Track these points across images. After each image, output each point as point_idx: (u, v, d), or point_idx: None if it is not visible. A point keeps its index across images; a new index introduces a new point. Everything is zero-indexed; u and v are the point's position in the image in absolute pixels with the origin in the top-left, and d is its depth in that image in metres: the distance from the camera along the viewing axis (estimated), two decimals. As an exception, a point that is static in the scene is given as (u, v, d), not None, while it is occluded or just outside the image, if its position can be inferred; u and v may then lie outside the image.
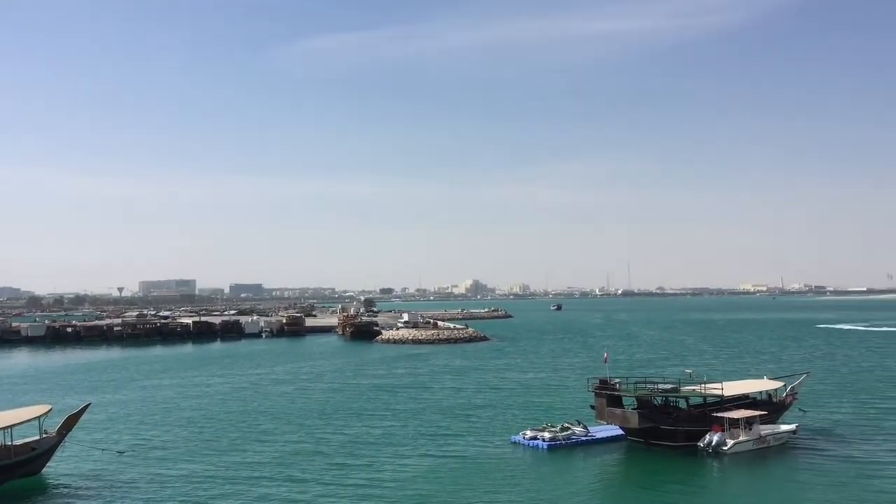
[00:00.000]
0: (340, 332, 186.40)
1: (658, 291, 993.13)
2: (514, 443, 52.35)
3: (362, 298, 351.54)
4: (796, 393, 58.23)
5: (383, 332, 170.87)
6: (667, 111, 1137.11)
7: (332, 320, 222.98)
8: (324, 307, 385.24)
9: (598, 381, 54.35)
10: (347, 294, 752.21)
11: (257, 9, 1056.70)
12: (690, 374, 62.35)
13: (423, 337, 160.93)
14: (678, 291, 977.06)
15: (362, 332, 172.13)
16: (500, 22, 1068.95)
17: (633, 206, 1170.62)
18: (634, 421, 50.59)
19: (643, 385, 54.67)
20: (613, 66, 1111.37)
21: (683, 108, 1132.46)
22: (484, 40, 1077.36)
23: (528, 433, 52.66)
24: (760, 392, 56.42)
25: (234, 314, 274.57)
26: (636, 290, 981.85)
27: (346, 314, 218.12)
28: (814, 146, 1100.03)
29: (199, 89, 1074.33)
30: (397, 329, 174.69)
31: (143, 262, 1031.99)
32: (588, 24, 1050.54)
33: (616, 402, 52.70)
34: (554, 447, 50.25)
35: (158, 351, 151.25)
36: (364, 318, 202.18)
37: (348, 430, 58.49)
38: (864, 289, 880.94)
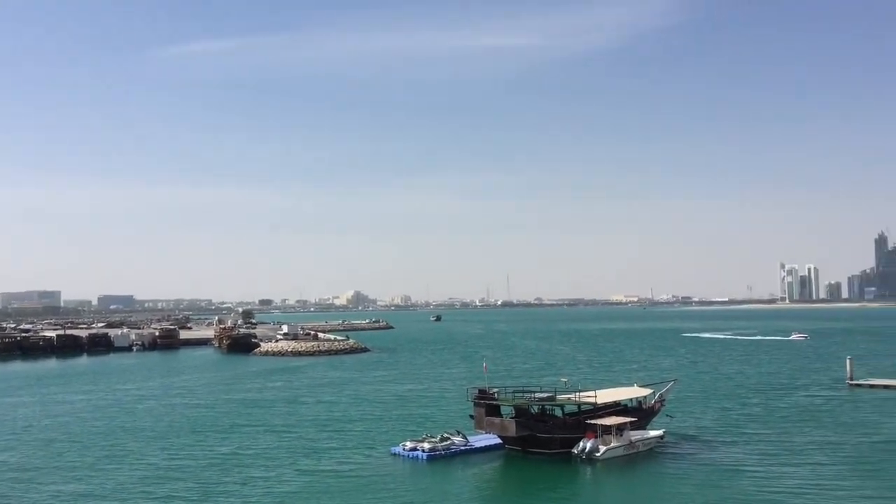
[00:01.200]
0: (217, 345, 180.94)
1: (536, 302, 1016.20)
2: (394, 454, 52.00)
3: (240, 310, 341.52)
4: (664, 399, 60.55)
5: (262, 344, 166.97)
6: (545, 128, 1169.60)
7: (209, 332, 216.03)
8: (200, 319, 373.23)
9: (477, 391, 54.76)
10: (225, 305, 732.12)
11: (134, 10, 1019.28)
12: (566, 382, 63.70)
13: (303, 349, 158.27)
14: (555, 302, 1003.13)
15: (239, 345, 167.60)
16: (388, 34, 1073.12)
17: (513, 219, 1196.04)
18: (512, 429, 51.22)
19: (521, 394, 55.48)
20: (498, 82, 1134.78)
21: (560, 126, 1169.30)
22: (371, 51, 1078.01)
23: (408, 444, 52.43)
24: (631, 399, 58.31)
25: (102, 327, 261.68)
26: (515, 301, 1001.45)
27: (222, 326, 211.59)
28: (676, 165, 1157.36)
29: (68, 92, 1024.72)
30: (276, 341, 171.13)
31: (3, 273, 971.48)
32: (477, 40, 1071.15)
33: (495, 411, 53.22)
34: (433, 457, 50.21)
35: (18, 366, 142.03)
36: (242, 331, 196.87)
37: (220, 447, 56.44)
38: (727, 299, 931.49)
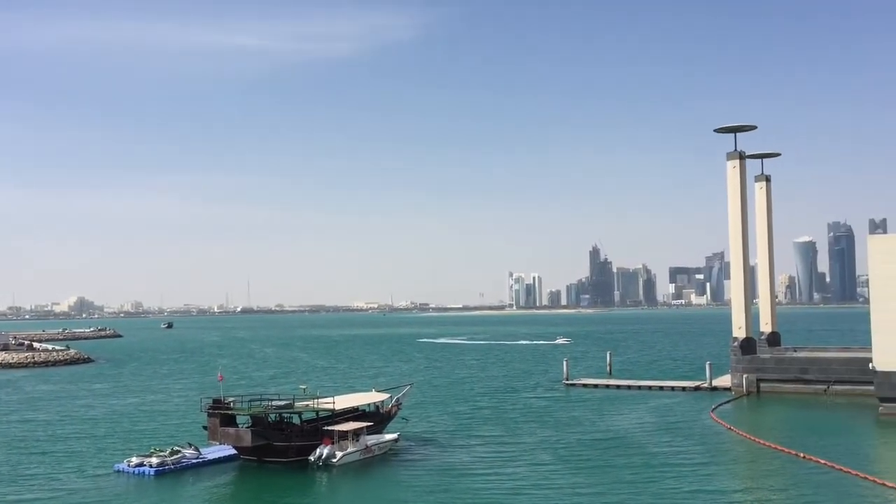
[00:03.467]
0: None
1: (277, 309, 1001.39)
2: (118, 471, 48.54)
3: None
4: (401, 403, 62.24)
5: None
6: (281, 131, 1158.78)
7: None
8: None
9: (211, 401, 52.73)
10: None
11: None
12: (305, 389, 63.41)
13: (14, 361, 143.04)
14: (297, 308, 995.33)
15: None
16: (130, 26, 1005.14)
17: (253, 223, 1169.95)
18: (247, 439, 49.91)
19: (258, 403, 54.28)
20: (242, 82, 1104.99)
21: (297, 130, 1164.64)
22: (110, 41, 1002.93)
23: (134, 460, 49.19)
24: (369, 404, 59.29)
25: None
26: (256, 308, 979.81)
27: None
28: (409, 177, 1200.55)
29: None
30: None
31: None
32: (230, 37, 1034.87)
33: (230, 421, 51.55)
34: (162, 472, 47.56)
35: None
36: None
37: None
38: (461, 305, 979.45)
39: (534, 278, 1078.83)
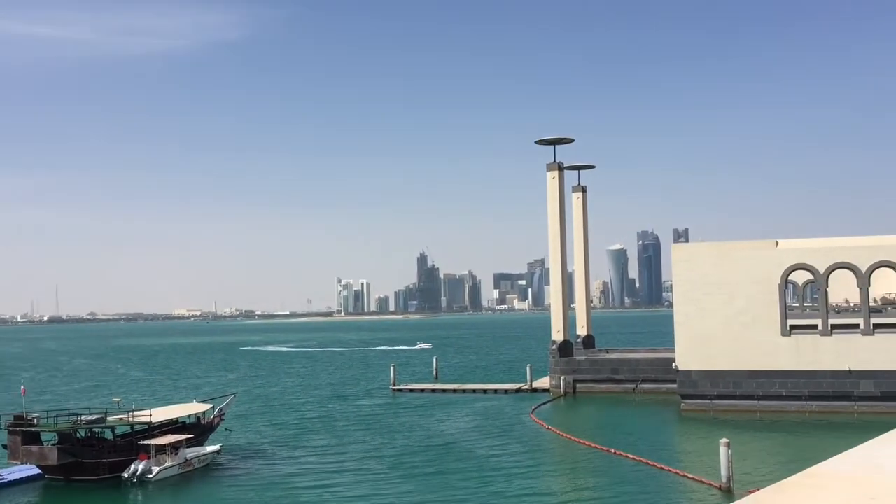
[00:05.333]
0: None
1: (90, 317, 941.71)
2: None
3: None
4: (223, 414, 60.30)
5: None
6: (97, 133, 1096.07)
7: None
8: None
9: (12, 418, 48.79)
10: None
11: None
12: (118, 402, 60.05)
13: None
14: (112, 317, 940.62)
15: None
16: None
17: (61, 228, 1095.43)
18: (53, 457, 46.61)
19: (66, 418, 50.79)
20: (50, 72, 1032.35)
21: (118, 130, 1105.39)
22: None
23: (-82, 486, 44.63)
24: (189, 416, 57.00)
25: None
26: (65, 317, 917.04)
27: None
28: (223, 180, 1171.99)
29: None
30: None
31: None
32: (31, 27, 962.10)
33: (34, 438, 47.91)
34: (-48, 499, 43.46)
35: None
36: None
37: None
38: (288, 312, 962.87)
39: (362, 284, 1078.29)
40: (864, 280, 64.69)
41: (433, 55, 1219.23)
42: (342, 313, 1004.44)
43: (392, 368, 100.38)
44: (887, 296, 72.75)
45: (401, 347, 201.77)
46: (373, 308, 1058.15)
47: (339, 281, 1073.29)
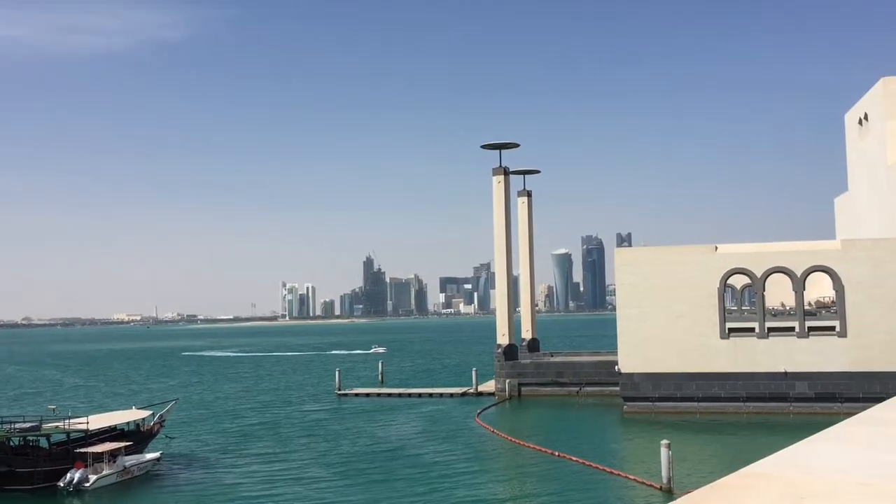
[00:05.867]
0: None
1: (24, 322, 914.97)
2: None
3: None
4: (164, 420, 59.16)
5: None
6: (31, 127, 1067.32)
7: None
8: None
9: (-60, 427, 47.15)
10: None
11: None
12: (54, 409, 58.52)
13: None
14: (48, 322, 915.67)
15: None
16: None
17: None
18: (-17, 468, 45.15)
19: (-3, 426, 49.27)
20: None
21: (53, 124, 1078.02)
22: None
23: None
24: (128, 422, 55.80)
25: None
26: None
27: None
28: (163, 179, 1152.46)
29: None
30: None
31: None
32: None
33: (-37, 448, 46.35)
34: None
35: None
36: None
37: None
38: (232, 317, 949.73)
39: (308, 288, 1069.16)
40: (799, 284, 66.56)
41: (378, 57, 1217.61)
42: (287, 318, 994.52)
43: (337, 373, 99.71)
44: (821, 299, 74.89)
45: (347, 351, 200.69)
46: (318, 312, 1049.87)
47: (284, 285, 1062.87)
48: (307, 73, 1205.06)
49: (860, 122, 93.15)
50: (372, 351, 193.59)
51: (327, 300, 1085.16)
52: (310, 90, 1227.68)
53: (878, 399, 9.02)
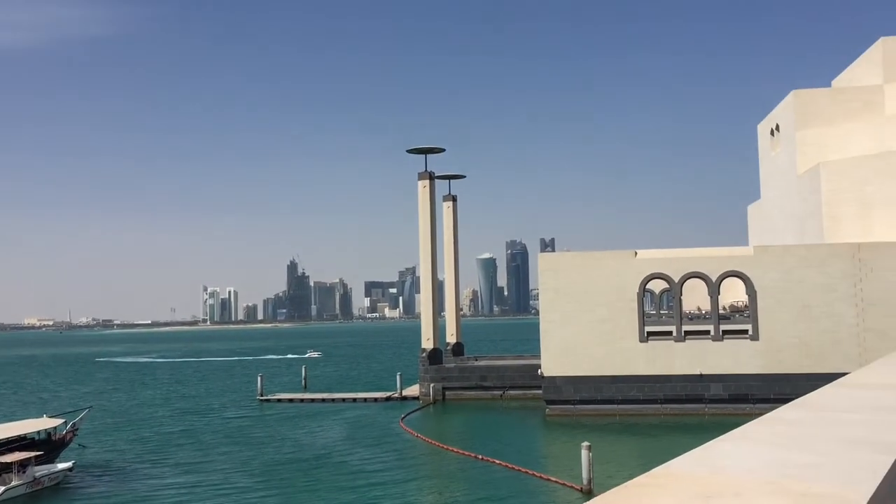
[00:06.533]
0: None
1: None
2: None
3: None
4: (77, 429, 57.24)
5: None
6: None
7: None
8: None
9: None
10: None
11: None
12: (-42, 419, 56.00)
13: None
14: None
15: None
16: None
17: None
18: None
19: None
20: None
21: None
22: None
23: None
24: (39, 431, 53.82)
25: None
26: None
27: None
28: (78, 177, 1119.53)
29: None
30: None
31: None
32: None
33: None
34: None
35: None
36: None
37: None
38: (150, 321, 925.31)
39: (229, 292, 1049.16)
40: (714, 289, 68.72)
41: (303, 56, 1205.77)
42: (208, 322, 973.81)
43: (259, 378, 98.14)
44: (735, 304, 77.45)
45: (280, 356, 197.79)
46: (241, 317, 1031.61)
47: (205, 289, 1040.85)
48: (231, 71, 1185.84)
49: (772, 133, 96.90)
50: (307, 355, 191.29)
51: (250, 305, 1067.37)
52: (232, 89, 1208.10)
53: (788, 400, 9.38)
